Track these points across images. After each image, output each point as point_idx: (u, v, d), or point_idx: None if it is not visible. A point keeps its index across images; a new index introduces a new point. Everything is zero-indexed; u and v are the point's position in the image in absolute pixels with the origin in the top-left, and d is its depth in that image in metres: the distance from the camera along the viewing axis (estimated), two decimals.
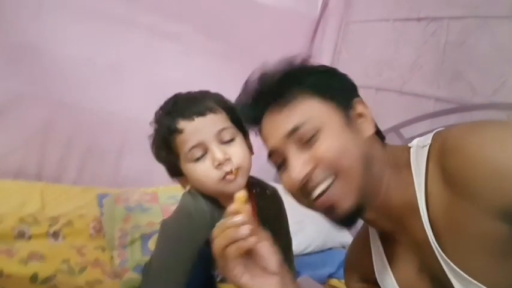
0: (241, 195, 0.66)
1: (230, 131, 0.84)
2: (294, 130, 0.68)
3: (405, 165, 0.69)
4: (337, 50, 2.15)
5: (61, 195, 1.71)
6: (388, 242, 0.78)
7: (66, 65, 1.78)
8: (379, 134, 0.76)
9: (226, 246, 0.63)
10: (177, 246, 0.85)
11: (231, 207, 0.65)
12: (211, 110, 0.84)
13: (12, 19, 1.66)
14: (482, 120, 0.64)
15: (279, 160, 0.72)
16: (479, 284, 0.59)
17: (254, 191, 0.93)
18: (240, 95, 0.77)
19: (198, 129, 0.82)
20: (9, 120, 1.73)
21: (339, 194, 0.66)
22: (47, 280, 1.21)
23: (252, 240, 0.63)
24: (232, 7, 1.98)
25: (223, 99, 0.89)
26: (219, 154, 0.81)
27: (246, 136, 0.89)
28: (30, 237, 1.42)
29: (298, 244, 1.58)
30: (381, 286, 0.80)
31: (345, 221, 0.68)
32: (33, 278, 1.20)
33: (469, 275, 0.60)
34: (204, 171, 0.82)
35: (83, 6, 1.77)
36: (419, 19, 1.74)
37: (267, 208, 0.93)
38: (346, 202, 0.66)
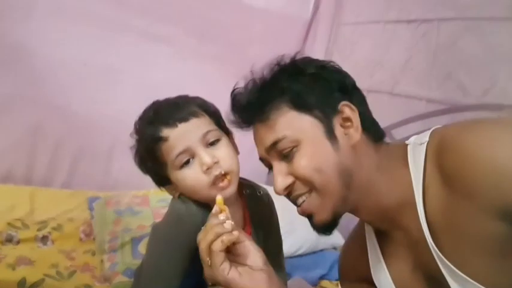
0: (219, 197, 0.72)
1: (215, 133, 0.83)
2: (274, 144, 0.71)
3: (402, 163, 0.69)
4: (328, 52, 2.15)
5: (50, 199, 1.70)
6: (384, 240, 0.78)
7: (57, 67, 1.77)
8: (376, 133, 0.74)
9: (212, 241, 0.66)
10: (169, 250, 0.83)
11: (214, 209, 0.71)
12: (194, 115, 0.82)
13: (2, 20, 1.65)
14: (480, 118, 0.64)
15: (268, 166, 0.76)
16: (476, 283, 0.59)
17: (244, 192, 0.92)
18: (229, 107, 0.80)
19: (183, 135, 0.80)
20: None
21: (315, 206, 0.70)
22: (34, 285, 1.19)
23: (235, 233, 0.67)
24: (224, 9, 1.98)
25: (205, 102, 0.88)
26: (207, 158, 0.79)
27: (230, 137, 0.89)
28: (18, 242, 1.41)
29: (289, 246, 1.57)
30: (376, 284, 0.80)
31: (321, 229, 0.73)
32: (21, 283, 1.18)
33: (466, 274, 0.60)
34: (194, 177, 0.80)
35: (74, 9, 1.76)
36: (409, 21, 1.74)
37: (257, 209, 0.93)
38: (321, 215, 0.70)
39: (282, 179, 0.71)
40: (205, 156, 0.79)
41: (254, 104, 0.74)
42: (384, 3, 1.87)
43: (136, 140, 0.87)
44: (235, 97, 0.78)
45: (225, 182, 0.80)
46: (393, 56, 1.80)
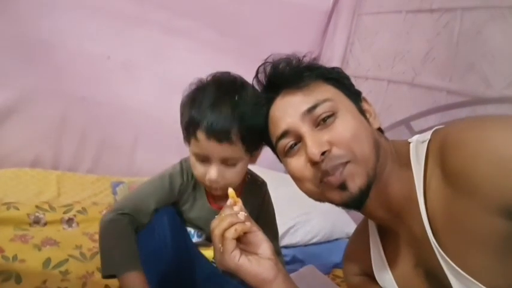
0: (231, 190, 0.76)
1: (234, 160, 0.91)
2: (311, 109, 0.70)
3: (405, 160, 0.69)
4: (349, 42, 2.13)
5: (76, 184, 1.77)
6: (387, 236, 0.79)
7: (81, 61, 1.84)
8: (380, 128, 0.78)
9: (225, 230, 0.69)
10: (148, 191, 1.00)
11: (229, 201, 0.74)
12: (229, 140, 0.87)
13: (27, 16, 1.72)
14: (482, 116, 0.64)
15: (291, 140, 0.73)
16: (476, 282, 0.59)
17: (246, 179, 1.02)
18: (255, 76, 0.80)
19: (208, 149, 0.88)
20: (27, 114, 1.79)
21: (352, 173, 0.67)
22: (58, 265, 1.26)
23: (248, 224, 0.71)
24: (243, 2, 2.00)
25: (250, 125, 0.87)
26: (213, 175, 0.90)
27: (255, 154, 0.96)
28: (45, 224, 1.47)
29: (305, 234, 1.61)
30: (377, 280, 0.80)
31: (354, 200, 0.68)
32: (46, 262, 1.25)
33: (467, 272, 0.60)
34: (197, 172, 0.93)
35: (96, 4, 1.82)
36: (432, 10, 1.71)
37: (253, 196, 1.03)
38: (358, 181, 0.67)
39: (320, 144, 0.67)
40: (212, 172, 0.90)
41: (288, 72, 0.75)
42: None
43: (191, 91, 0.95)
44: (264, 67, 0.78)
45: (219, 191, 0.94)
46: (414, 47, 1.78)
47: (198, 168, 0.92)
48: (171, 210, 1.01)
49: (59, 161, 1.91)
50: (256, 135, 0.86)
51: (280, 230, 1.55)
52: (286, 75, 0.75)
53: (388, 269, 0.77)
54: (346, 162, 0.67)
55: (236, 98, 0.88)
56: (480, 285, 0.58)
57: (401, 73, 1.82)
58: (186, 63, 1.95)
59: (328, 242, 1.66)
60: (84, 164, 1.97)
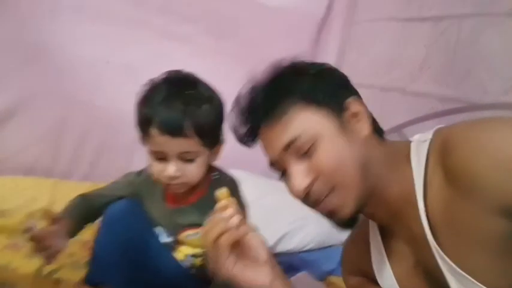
0: (224, 191, 0.70)
1: (192, 155, 0.92)
2: (290, 143, 0.70)
3: (405, 159, 0.69)
4: (343, 50, 2.14)
5: (71, 191, 1.73)
6: (388, 236, 0.78)
7: (80, 64, 1.84)
8: (377, 130, 0.75)
9: (218, 237, 0.66)
10: (117, 184, 1.11)
11: (220, 204, 0.69)
12: (183, 134, 0.88)
13: (27, 19, 1.73)
14: (485, 117, 0.63)
15: (280, 169, 0.74)
16: (475, 282, 0.59)
17: (212, 176, 1.03)
18: (231, 113, 0.78)
19: (162, 145, 0.90)
20: (24, 118, 1.80)
21: (339, 202, 0.69)
22: (51, 273, 1.24)
23: (242, 229, 0.68)
24: (241, 8, 2.01)
25: (205, 119, 0.91)
26: (171, 171, 0.90)
27: (216, 148, 0.98)
28: None
29: (299, 241, 1.61)
30: (378, 279, 0.80)
31: (345, 224, 0.71)
32: (38, 271, 1.24)
33: (465, 272, 0.60)
34: (156, 170, 0.94)
35: (96, 7, 1.83)
36: (429, 18, 1.71)
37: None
38: (345, 209, 0.69)
39: (302, 179, 0.69)
40: (171, 168, 0.91)
41: (263, 106, 0.73)
42: (400, 1, 1.84)
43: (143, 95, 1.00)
44: (239, 103, 0.77)
45: (179, 188, 0.96)
46: (410, 54, 1.77)
47: (156, 167, 0.93)
48: (131, 204, 1.04)
49: (57, 165, 1.91)
50: (211, 129, 0.87)
51: (275, 236, 1.56)
52: (262, 110, 0.73)
53: (389, 267, 0.77)
54: (332, 191, 0.68)
55: (188, 93, 0.89)
56: (479, 284, 0.58)
57: (398, 80, 1.81)
58: (184, 67, 1.95)
59: (323, 248, 1.65)
60: (81, 169, 1.97)
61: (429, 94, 1.66)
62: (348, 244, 0.95)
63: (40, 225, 1.49)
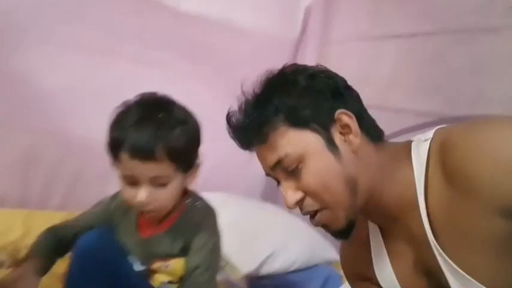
0: None
1: (164, 180, 0.89)
2: (278, 163, 0.71)
3: (406, 159, 0.69)
4: None
5: (45, 221, 1.68)
6: (388, 236, 0.78)
7: (50, 93, 1.80)
8: (374, 135, 0.75)
9: None
10: (94, 210, 1.11)
11: None
12: (154, 159, 0.85)
13: None
14: (485, 118, 0.64)
15: (275, 179, 0.76)
16: (475, 281, 0.59)
17: (186, 202, 1.00)
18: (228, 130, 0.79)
19: (133, 169, 0.87)
20: None
21: (329, 219, 0.71)
22: None
23: None
24: (213, 33, 2.02)
25: (177, 143, 0.88)
26: (143, 196, 0.87)
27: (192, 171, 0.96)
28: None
29: (283, 262, 1.58)
30: (379, 280, 0.79)
31: (341, 235, 0.73)
32: None
33: (465, 272, 0.60)
34: (127, 195, 0.91)
35: (65, 36, 1.80)
36: (395, 36, 1.78)
37: (188, 219, 1.00)
38: (336, 225, 0.71)
39: (292, 194, 0.71)
40: (142, 194, 0.88)
41: (250, 127, 0.73)
42: (370, 20, 1.92)
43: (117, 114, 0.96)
44: (230, 122, 0.77)
45: (151, 214, 0.94)
46: (381, 72, 1.83)
47: (127, 192, 0.90)
48: (103, 234, 1.00)
49: (29, 196, 1.84)
50: (184, 152, 0.85)
51: (258, 258, 1.53)
52: (250, 132, 0.74)
53: (391, 267, 0.77)
54: (321, 209, 0.69)
55: (160, 117, 0.87)
56: (479, 284, 0.59)
57: (370, 98, 1.83)
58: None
59: (309, 268, 1.62)
60: (54, 200, 1.91)
61: (401, 110, 1.71)
62: (345, 247, 0.93)
63: (12, 258, 1.44)
